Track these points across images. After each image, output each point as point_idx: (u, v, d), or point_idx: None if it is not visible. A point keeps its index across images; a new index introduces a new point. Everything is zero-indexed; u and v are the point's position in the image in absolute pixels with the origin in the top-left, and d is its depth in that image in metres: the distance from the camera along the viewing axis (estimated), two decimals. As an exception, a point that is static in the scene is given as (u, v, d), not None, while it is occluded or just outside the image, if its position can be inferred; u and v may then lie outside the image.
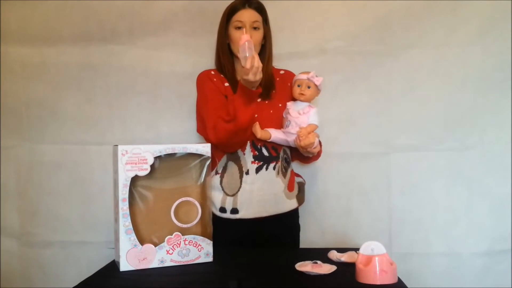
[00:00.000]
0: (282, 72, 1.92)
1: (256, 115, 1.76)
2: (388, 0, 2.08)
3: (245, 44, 1.57)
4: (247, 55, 1.55)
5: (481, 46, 2.06)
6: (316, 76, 1.75)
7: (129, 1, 2.10)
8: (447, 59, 2.09)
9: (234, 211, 1.77)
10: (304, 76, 1.76)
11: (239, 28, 1.77)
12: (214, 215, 1.71)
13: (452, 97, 2.10)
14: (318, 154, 1.82)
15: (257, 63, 1.55)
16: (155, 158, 1.51)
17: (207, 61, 1.94)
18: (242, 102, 1.64)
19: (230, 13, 1.79)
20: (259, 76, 1.58)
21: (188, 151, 1.56)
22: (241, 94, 1.64)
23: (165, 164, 1.54)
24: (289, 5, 2.11)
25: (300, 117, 1.73)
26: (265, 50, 1.85)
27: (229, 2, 1.83)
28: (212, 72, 1.85)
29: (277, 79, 1.89)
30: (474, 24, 2.06)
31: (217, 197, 1.78)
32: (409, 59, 2.10)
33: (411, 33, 2.09)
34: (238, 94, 1.65)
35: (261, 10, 1.83)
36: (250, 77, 1.56)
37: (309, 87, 1.75)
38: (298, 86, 1.77)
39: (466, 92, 2.09)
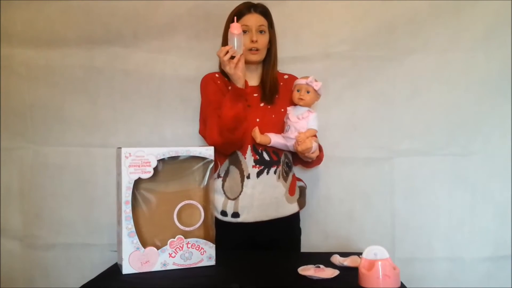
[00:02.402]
0: (286, 76, 1.92)
1: (258, 120, 1.77)
2: (392, 4, 2.08)
3: (235, 36, 1.62)
4: (234, 47, 1.62)
5: (484, 51, 2.06)
6: (316, 81, 1.75)
7: (134, 4, 2.10)
8: (451, 64, 2.09)
9: (235, 215, 1.78)
10: (303, 81, 1.76)
11: (245, 32, 1.77)
12: (215, 219, 1.70)
13: (456, 102, 2.09)
14: (319, 159, 1.83)
15: (228, 55, 1.62)
16: (159, 161, 1.51)
17: (212, 65, 1.95)
18: (229, 98, 1.68)
19: (235, 17, 1.80)
20: (240, 72, 1.65)
21: (192, 154, 1.56)
22: (230, 89, 1.69)
23: (168, 167, 1.54)
24: (293, 9, 2.11)
25: (299, 122, 1.73)
26: (270, 55, 1.86)
27: (234, 6, 1.84)
28: (217, 75, 1.86)
29: (281, 83, 1.89)
30: (477, 30, 2.06)
31: (218, 201, 1.79)
32: (412, 64, 2.10)
33: (415, 38, 2.08)
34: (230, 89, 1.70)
35: (267, 15, 1.84)
36: (226, 68, 1.65)
37: (308, 92, 1.75)
38: (298, 91, 1.77)
39: (469, 97, 2.09)
